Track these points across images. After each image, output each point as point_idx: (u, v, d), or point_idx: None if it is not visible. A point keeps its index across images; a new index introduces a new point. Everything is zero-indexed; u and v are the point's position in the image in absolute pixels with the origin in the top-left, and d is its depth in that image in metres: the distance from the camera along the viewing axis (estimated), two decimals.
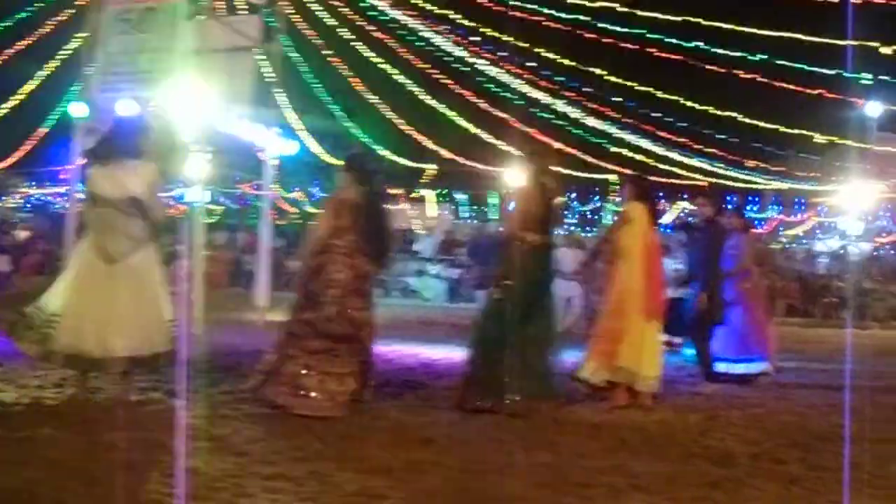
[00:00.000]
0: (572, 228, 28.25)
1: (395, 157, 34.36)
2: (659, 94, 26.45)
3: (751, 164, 34.56)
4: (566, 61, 26.11)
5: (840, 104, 27.15)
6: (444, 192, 38.89)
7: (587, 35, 23.04)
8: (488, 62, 27.11)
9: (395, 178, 36.96)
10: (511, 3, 22.29)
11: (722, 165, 33.56)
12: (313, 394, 7.18)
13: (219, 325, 13.59)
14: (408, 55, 28.14)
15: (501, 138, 29.85)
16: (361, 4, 24.89)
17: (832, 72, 22.14)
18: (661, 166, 32.71)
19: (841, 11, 17.96)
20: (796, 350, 14.26)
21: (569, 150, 31.65)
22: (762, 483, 5.66)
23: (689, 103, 26.50)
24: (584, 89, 28.86)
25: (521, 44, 25.30)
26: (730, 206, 11.93)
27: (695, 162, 32.87)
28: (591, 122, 30.72)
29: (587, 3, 20.63)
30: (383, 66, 28.49)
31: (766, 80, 23.73)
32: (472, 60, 26.95)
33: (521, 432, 6.96)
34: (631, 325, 8.59)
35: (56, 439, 5.90)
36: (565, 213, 36.82)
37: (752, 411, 8.53)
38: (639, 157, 32.51)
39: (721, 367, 10.51)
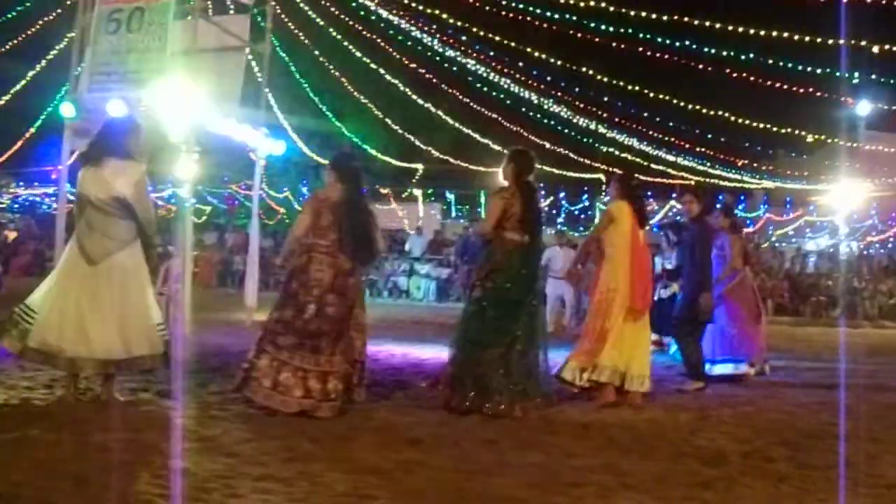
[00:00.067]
0: (563, 228, 28.16)
1: (385, 157, 34.39)
2: (649, 93, 26.49)
3: (740, 163, 34.68)
4: (556, 61, 26.15)
5: (830, 103, 27.27)
6: (433, 192, 38.91)
7: (577, 35, 23.07)
8: (478, 62, 27.15)
9: (384, 178, 37.03)
10: (501, 2, 22.33)
11: (711, 164, 33.66)
12: (294, 392, 7.16)
13: (208, 326, 13.59)
14: (398, 54, 28.17)
15: (491, 138, 29.91)
16: (353, 4, 24.89)
17: (822, 71, 22.20)
18: (651, 165, 32.81)
19: (831, 11, 18.04)
20: (786, 349, 14.29)
21: (559, 149, 31.76)
22: (752, 481, 5.66)
23: (678, 102, 26.55)
24: (574, 89, 28.93)
25: (511, 43, 25.34)
26: (718, 206, 11.83)
27: (685, 161, 32.95)
28: (581, 121, 30.77)
29: (577, 3, 20.63)
30: (373, 65, 28.51)
31: (755, 79, 23.81)
32: (462, 60, 26.98)
33: (511, 432, 6.96)
34: (615, 325, 8.58)
35: (45, 440, 5.87)
36: (554, 212, 36.90)
37: (743, 410, 8.54)
38: (629, 156, 32.60)
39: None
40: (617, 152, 33.34)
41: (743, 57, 22.21)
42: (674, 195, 30.06)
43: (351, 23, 27.07)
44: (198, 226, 30.39)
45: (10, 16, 24.70)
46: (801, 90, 24.25)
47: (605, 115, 30.90)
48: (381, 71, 28.87)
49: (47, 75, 23.85)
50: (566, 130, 31.92)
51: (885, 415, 8.34)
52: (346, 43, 27.79)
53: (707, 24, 20.20)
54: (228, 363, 9.22)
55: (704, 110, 26.87)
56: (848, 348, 15.37)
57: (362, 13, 25.85)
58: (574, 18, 22.03)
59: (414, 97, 30.16)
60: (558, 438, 6.83)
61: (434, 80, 29.41)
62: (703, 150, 32.70)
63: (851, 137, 32.05)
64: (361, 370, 7.65)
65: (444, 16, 24.55)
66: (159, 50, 12.25)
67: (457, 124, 31.53)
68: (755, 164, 36.13)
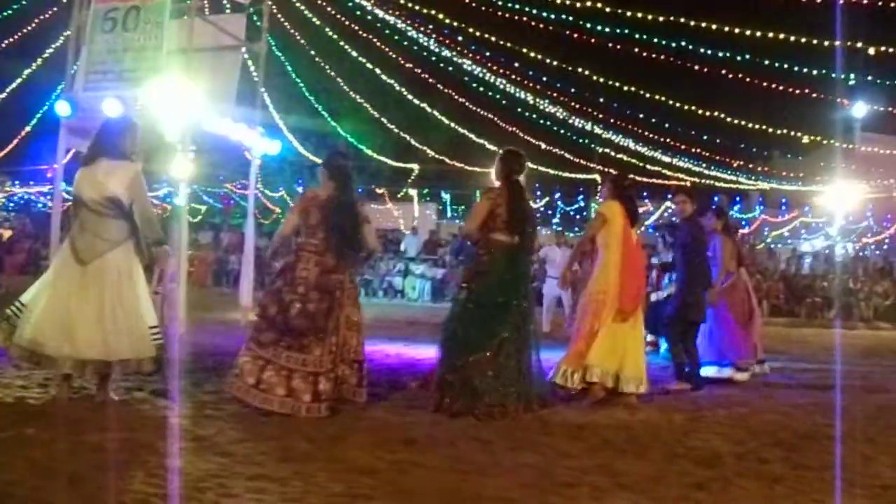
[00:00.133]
0: (558, 229, 28.22)
1: (380, 157, 34.41)
2: (645, 94, 26.52)
3: (736, 164, 34.72)
4: (552, 61, 26.15)
5: (826, 105, 27.30)
6: (429, 192, 38.94)
7: (573, 35, 23.09)
8: (474, 62, 27.16)
9: (380, 178, 37.04)
10: (498, 2, 22.34)
11: (707, 165, 33.70)
12: (276, 390, 7.15)
13: (203, 325, 13.58)
14: (394, 54, 28.17)
15: (487, 138, 29.92)
16: (349, 4, 24.88)
17: (818, 72, 22.23)
18: (647, 166, 32.85)
19: (827, 12, 18.05)
20: (781, 350, 14.31)
21: (554, 149, 31.78)
22: (747, 482, 5.67)
23: (674, 103, 26.57)
24: (570, 89, 28.94)
25: (507, 43, 25.35)
26: (712, 207, 11.79)
27: (680, 162, 32.99)
28: (577, 121, 30.79)
29: (573, 4, 20.64)
30: (369, 65, 28.51)
31: (751, 80, 23.83)
32: (458, 60, 26.98)
33: (506, 432, 6.96)
34: (605, 325, 8.57)
35: (40, 439, 5.86)
36: (550, 212, 36.92)
37: (737, 411, 8.54)
38: (624, 157, 32.63)
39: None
40: (613, 153, 33.42)
41: (739, 58, 22.26)
42: (669, 196, 30.08)
43: (347, 22, 27.07)
44: (193, 225, 30.33)
45: (5, 14, 24.67)
46: (797, 91, 24.29)
47: (600, 115, 30.97)
48: (377, 71, 28.88)
49: (43, 74, 23.84)
50: (562, 131, 31.97)
51: (879, 416, 8.36)
52: (342, 43, 27.81)
53: (703, 25, 20.23)
54: (223, 363, 9.20)
55: (700, 111, 26.91)
56: (843, 350, 15.40)
57: (358, 13, 25.86)
58: (570, 19, 22.07)
59: (410, 97, 30.19)
60: (553, 439, 6.82)
61: (430, 80, 29.43)
62: (698, 151, 32.77)
63: (847, 139, 32.11)
64: (361, 371, 7.62)
65: (441, 16, 24.54)
66: (155, 49, 12.24)
67: (452, 124, 31.55)
68: (751, 166, 36.20)
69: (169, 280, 11.66)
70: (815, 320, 24.93)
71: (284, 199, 35.69)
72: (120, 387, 7.72)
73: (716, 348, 10.67)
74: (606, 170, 30.73)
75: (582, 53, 25.76)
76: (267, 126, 17.18)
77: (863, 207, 33.98)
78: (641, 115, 30.31)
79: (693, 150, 32.59)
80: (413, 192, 37.91)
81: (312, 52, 28.31)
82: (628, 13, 20.86)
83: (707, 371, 10.48)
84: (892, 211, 34.91)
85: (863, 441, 6.97)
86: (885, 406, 9.06)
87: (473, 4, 23.14)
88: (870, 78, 23.22)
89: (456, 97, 30.08)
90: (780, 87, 24.38)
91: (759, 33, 19.83)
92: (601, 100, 29.67)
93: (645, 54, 23.19)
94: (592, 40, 22.95)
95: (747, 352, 10.91)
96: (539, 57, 25.76)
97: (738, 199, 37.11)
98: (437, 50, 26.62)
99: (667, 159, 32.85)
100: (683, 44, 22.01)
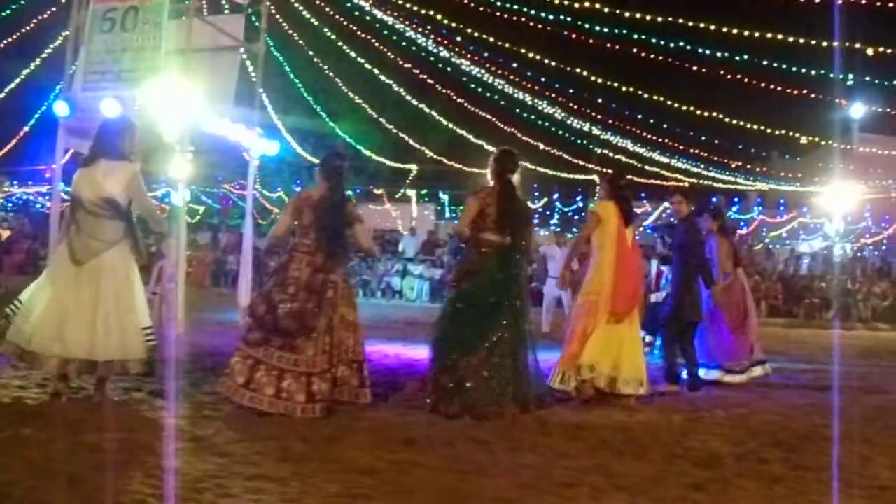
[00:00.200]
0: (556, 229, 28.21)
1: (378, 158, 34.41)
2: (643, 94, 26.52)
3: (734, 164, 34.73)
4: (550, 62, 26.16)
5: (824, 105, 27.30)
6: (427, 193, 38.93)
7: (571, 36, 23.09)
8: (472, 63, 27.16)
9: (378, 178, 37.04)
10: (496, 3, 22.34)
11: (705, 166, 33.70)
12: (266, 390, 7.15)
13: (201, 326, 13.57)
14: (393, 55, 28.18)
15: (485, 139, 29.91)
16: (348, 4, 24.89)
17: (816, 73, 22.24)
18: (645, 167, 32.85)
19: (826, 13, 18.06)
20: (779, 351, 14.30)
21: (553, 150, 31.78)
22: (746, 483, 5.67)
23: (673, 104, 26.57)
24: (568, 90, 28.95)
25: (506, 44, 25.35)
26: (709, 208, 11.76)
27: (679, 163, 32.99)
28: (575, 122, 30.79)
29: (571, 4, 20.65)
30: (368, 66, 28.51)
31: (750, 81, 23.84)
32: (457, 61, 26.99)
33: (504, 433, 6.95)
34: (598, 325, 8.56)
35: (38, 439, 5.85)
36: (548, 213, 36.91)
37: (736, 411, 8.53)
38: (623, 157, 32.63)
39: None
40: (611, 153, 33.42)
41: (737, 59, 22.25)
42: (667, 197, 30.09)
43: (345, 23, 27.08)
44: (191, 225, 30.32)
45: (4, 14, 24.66)
46: (795, 92, 24.30)
47: (599, 116, 30.99)
48: (376, 71, 28.91)
49: (41, 74, 23.85)
50: (560, 131, 31.98)
51: (878, 417, 8.36)
52: (340, 43, 27.82)
53: (701, 25, 20.23)
54: (221, 363, 9.15)
55: (699, 112, 26.92)
56: (841, 350, 15.41)
57: (357, 14, 25.86)
58: (568, 19, 22.07)
59: (408, 98, 30.20)
60: (551, 440, 6.82)
61: (428, 81, 29.45)
62: (696, 151, 32.77)
63: (845, 140, 32.12)
64: (361, 372, 7.60)
65: (439, 16, 24.57)
66: (154, 49, 12.21)
67: (451, 125, 31.56)
68: (749, 166, 36.21)
69: (167, 280, 11.66)
70: (814, 321, 24.94)
71: (283, 199, 35.66)
72: (118, 387, 7.72)
73: (704, 350, 10.60)
74: (605, 170, 30.67)
75: (580, 54, 25.79)
76: (265, 126, 17.16)
77: (861, 208, 33.98)
78: (640, 116, 30.37)
79: (691, 150, 32.62)
80: (411, 193, 37.89)
81: (311, 53, 28.33)
82: (626, 14, 20.89)
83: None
84: (890, 211, 34.94)
85: (861, 442, 6.97)
86: (883, 407, 9.07)
87: (472, 5, 23.15)
88: (868, 78, 23.23)
89: (454, 98, 30.12)
90: (779, 88, 24.40)
91: (757, 34, 19.86)
92: (599, 100, 29.71)
93: (643, 55, 23.22)
94: (591, 41, 22.98)
95: (740, 353, 10.80)
96: (537, 57, 25.78)
97: (736, 199, 37.10)
98: (435, 50, 26.65)
99: (665, 160, 32.87)
100: (682, 44, 22.03)
